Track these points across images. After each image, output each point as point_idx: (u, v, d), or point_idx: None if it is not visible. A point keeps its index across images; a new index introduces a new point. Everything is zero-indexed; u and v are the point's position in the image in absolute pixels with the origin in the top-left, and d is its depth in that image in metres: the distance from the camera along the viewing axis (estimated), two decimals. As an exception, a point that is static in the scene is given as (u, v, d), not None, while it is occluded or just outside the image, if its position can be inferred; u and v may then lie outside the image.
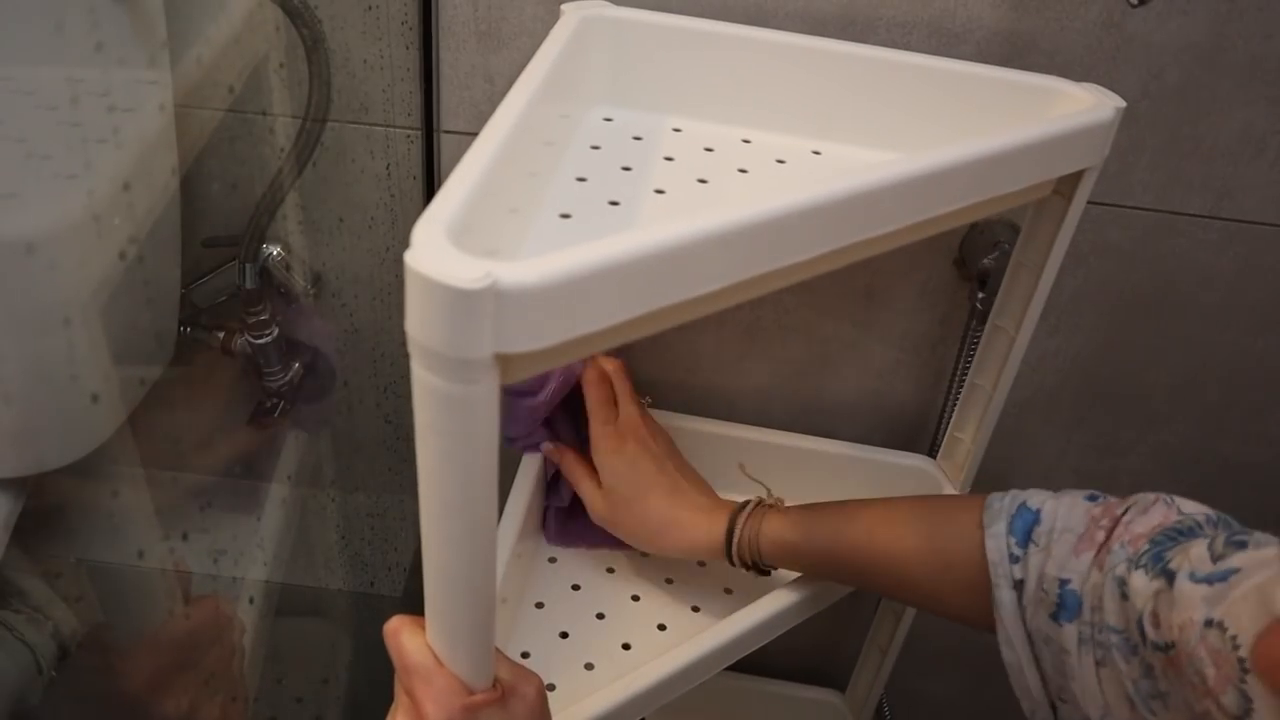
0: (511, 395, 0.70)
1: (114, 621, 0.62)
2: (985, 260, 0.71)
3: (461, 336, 0.31)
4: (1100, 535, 0.48)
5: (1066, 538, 0.49)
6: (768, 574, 0.66)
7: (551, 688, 0.62)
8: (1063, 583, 0.48)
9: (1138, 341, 0.81)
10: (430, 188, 0.76)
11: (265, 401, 0.83)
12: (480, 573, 0.39)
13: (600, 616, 0.69)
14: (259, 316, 0.78)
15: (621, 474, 0.67)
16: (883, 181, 0.44)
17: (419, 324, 0.32)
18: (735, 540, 0.63)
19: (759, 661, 0.98)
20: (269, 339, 0.79)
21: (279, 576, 0.81)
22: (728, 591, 0.72)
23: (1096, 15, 0.66)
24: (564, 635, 0.67)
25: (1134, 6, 0.65)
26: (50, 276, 0.51)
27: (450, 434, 0.34)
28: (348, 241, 0.79)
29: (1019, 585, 0.51)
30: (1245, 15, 0.65)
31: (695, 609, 0.70)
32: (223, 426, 0.83)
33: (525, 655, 0.65)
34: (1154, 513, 0.48)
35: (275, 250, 0.78)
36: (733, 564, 0.64)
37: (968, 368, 0.78)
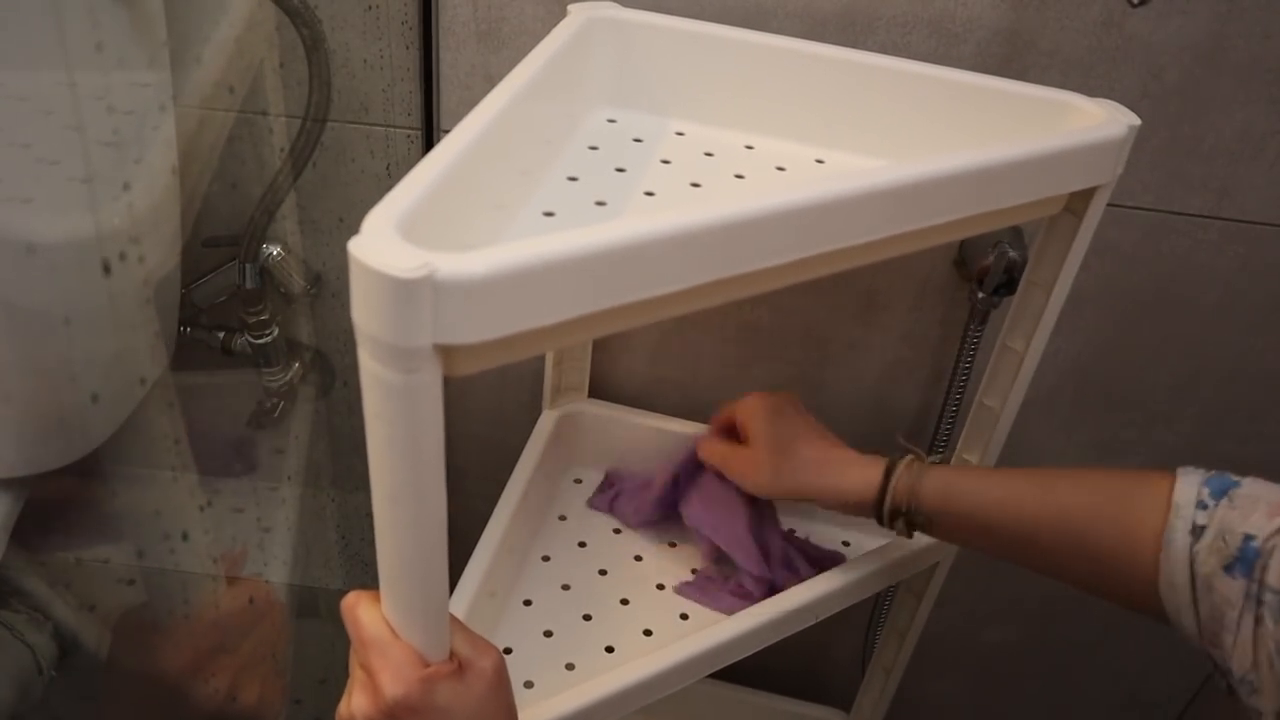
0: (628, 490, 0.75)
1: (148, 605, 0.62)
2: (985, 260, 0.71)
3: (401, 325, 0.32)
4: None
5: (1262, 504, 0.49)
6: (911, 535, 0.63)
7: (529, 685, 0.62)
8: (1247, 538, 0.48)
9: (1138, 341, 0.81)
10: (430, 188, 0.76)
11: (265, 401, 0.83)
12: (429, 553, 0.39)
13: (587, 618, 0.68)
14: (259, 316, 0.78)
15: (770, 423, 0.67)
16: (861, 189, 0.43)
17: (362, 311, 0.33)
18: (893, 484, 0.61)
19: (762, 676, 0.98)
20: (269, 339, 0.79)
21: (279, 576, 0.81)
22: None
23: (1096, 15, 0.66)
24: (548, 634, 0.66)
25: (1134, 6, 0.65)
26: (51, 277, 0.51)
27: (394, 421, 0.35)
28: (348, 241, 0.79)
29: (1198, 530, 0.50)
30: (1245, 15, 0.65)
31: (684, 616, 0.70)
32: (222, 426, 0.83)
33: (508, 651, 0.65)
34: None
35: (275, 250, 0.78)
36: (880, 518, 0.62)
37: (968, 368, 0.78)
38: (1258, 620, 0.46)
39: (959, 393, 0.79)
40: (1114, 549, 0.53)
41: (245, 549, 0.72)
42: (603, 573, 0.72)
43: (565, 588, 0.71)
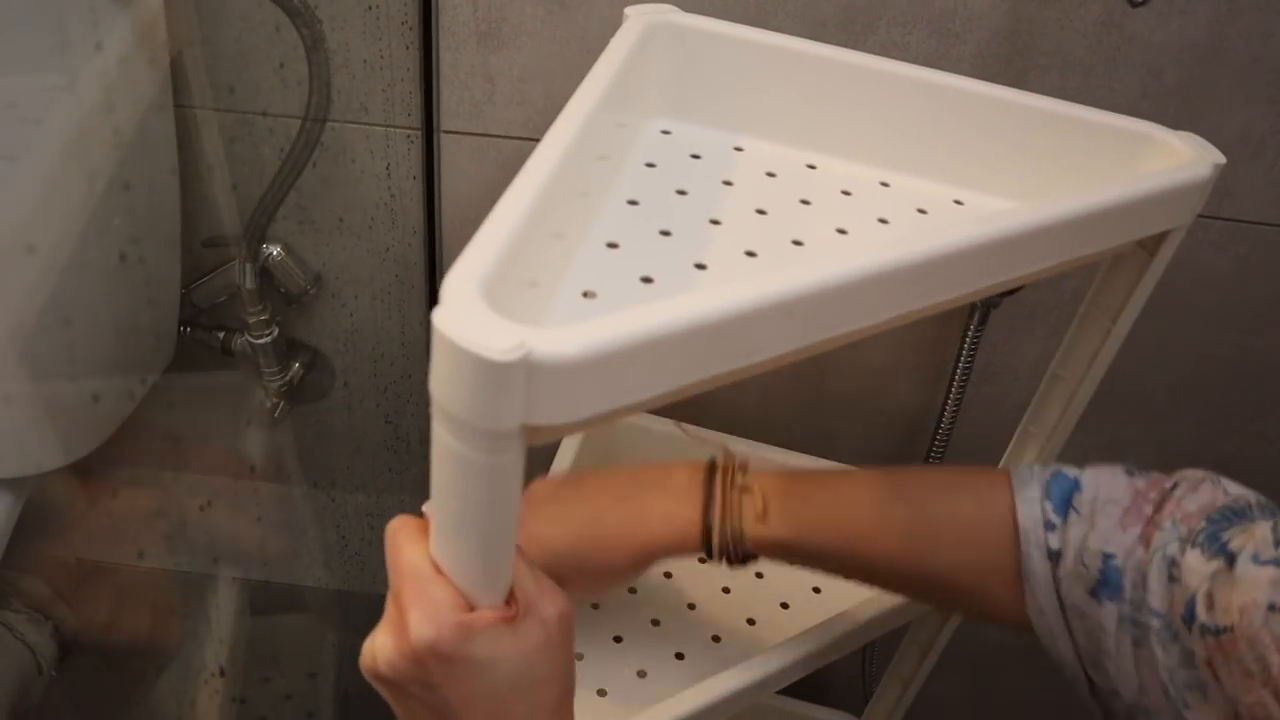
0: None
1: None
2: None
3: (490, 408, 0.29)
4: (1148, 509, 0.45)
5: (1111, 509, 0.46)
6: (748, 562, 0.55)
7: (603, 693, 0.60)
8: (1106, 557, 0.45)
9: (1138, 341, 0.81)
10: (430, 188, 0.76)
11: (265, 401, 0.83)
12: (497, 592, 0.37)
13: (618, 640, 0.66)
14: (259, 316, 0.78)
15: (544, 541, 0.53)
16: (958, 246, 0.40)
17: (445, 389, 0.30)
18: (715, 543, 0.52)
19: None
20: (269, 339, 0.79)
21: (279, 576, 0.81)
22: (750, 622, 0.69)
23: (1096, 15, 0.66)
24: (579, 657, 0.64)
25: (1134, 6, 0.65)
26: (50, 277, 0.51)
27: (470, 499, 0.33)
28: (348, 241, 0.79)
29: (1054, 555, 0.47)
30: (1245, 15, 0.65)
31: (716, 638, 0.67)
32: (222, 426, 0.83)
33: (579, 657, 0.63)
34: (1203, 491, 0.45)
35: (275, 250, 0.78)
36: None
37: (968, 368, 0.78)
38: (1135, 644, 0.44)
39: (959, 393, 0.79)
40: (969, 584, 0.50)
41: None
42: (632, 591, 0.70)
43: (595, 607, 0.69)
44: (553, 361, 0.29)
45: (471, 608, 0.36)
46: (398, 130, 0.74)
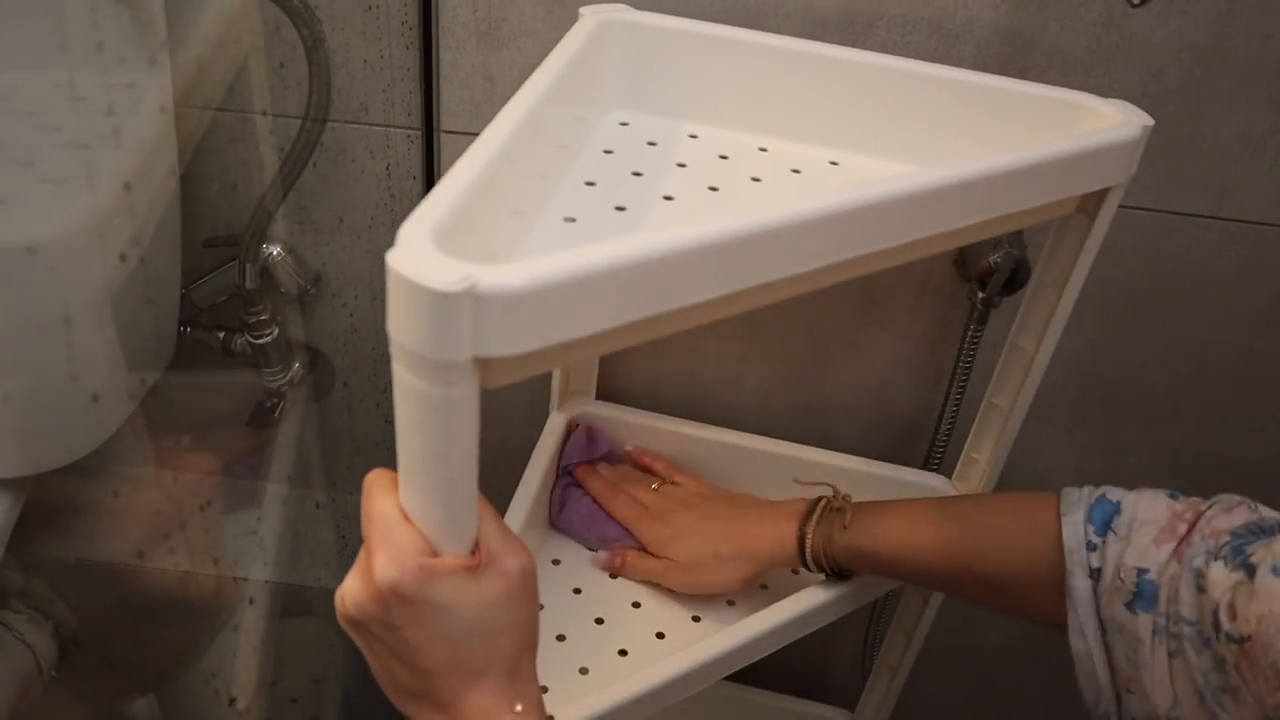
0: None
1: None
2: (985, 260, 0.71)
3: (440, 339, 0.31)
4: (1182, 528, 0.48)
5: (1147, 529, 0.49)
6: (849, 578, 0.66)
7: (544, 689, 0.62)
8: (1141, 572, 0.48)
9: (1138, 341, 0.81)
10: (430, 188, 0.76)
11: (265, 401, 0.83)
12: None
13: (599, 621, 0.68)
14: (259, 316, 0.78)
15: (668, 546, 0.69)
16: (889, 195, 0.43)
17: (399, 325, 0.32)
18: (807, 558, 0.64)
19: (761, 674, 0.98)
20: (269, 339, 0.79)
21: (279, 576, 0.81)
22: (730, 603, 0.71)
23: (1096, 15, 0.66)
24: (561, 638, 0.66)
25: (1134, 6, 0.65)
26: (51, 277, 0.51)
27: (429, 434, 0.34)
28: (348, 241, 0.79)
29: (1095, 574, 0.51)
30: (1245, 15, 0.65)
31: (696, 618, 0.70)
32: (222, 426, 0.83)
33: (560, 639, 0.65)
34: (1237, 512, 0.48)
35: (275, 250, 0.78)
36: (810, 570, 0.66)
37: (968, 368, 0.78)
38: (1171, 654, 0.46)
39: (959, 393, 0.79)
40: (1011, 585, 0.56)
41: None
42: (614, 576, 0.72)
43: (577, 591, 0.70)
44: (498, 292, 0.31)
45: (436, 554, 0.38)
46: (398, 130, 0.74)
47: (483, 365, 0.33)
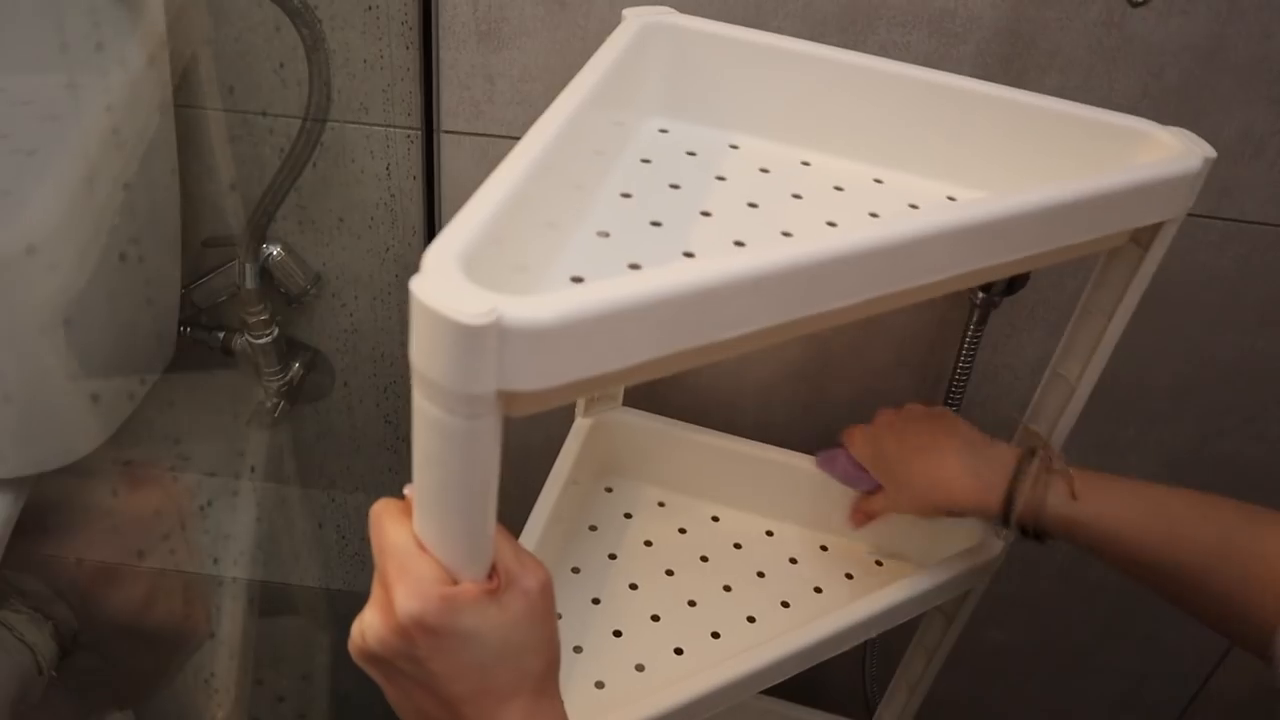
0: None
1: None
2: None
3: (463, 371, 0.30)
4: None
5: None
6: (1043, 541, 0.61)
7: (600, 685, 0.60)
8: None
9: (1138, 341, 0.81)
10: (430, 188, 0.76)
11: (265, 401, 0.83)
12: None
13: (618, 634, 0.66)
14: (259, 316, 0.78)
15: (878, 465, 0.68)
16: (938, 228, 0.40)
17: (422, 355, 0.31)
18: (1014, 514, 0.59)
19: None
20: (269, 339, 0.79)
21: (279, 576, 0.81)
22: (750, 620, 0.69)
23: (1096, 15, 0.66)
24: (578, 650, 0.65)
25: (1134, 6, 0.65)
26: (50, 277, 0.51)
27: (451, 465, 0.33)
28: (348, 241, 0.79)
29: None
30: (1245, 15, 0.65)
31: (715, 634, 0.68)
32: (222, 426, 0.83)
33: (577, 650, 0.64)
34: None
35: (275, 250, 0.78)
36: (1009, 528, 0.62)
37: (968, 368, 0.78)
38: None
39: (959, 393, 0.79)
40: (1234, 593, 0.52)
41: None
42: (633, 587, 0.70)
43: (595, 601, 0.69)
44: (524, 326, 0.30)
45: (455, 582, 0.37)
46: (398, 130, 0.74)
47: (506, 398, 0.32)
